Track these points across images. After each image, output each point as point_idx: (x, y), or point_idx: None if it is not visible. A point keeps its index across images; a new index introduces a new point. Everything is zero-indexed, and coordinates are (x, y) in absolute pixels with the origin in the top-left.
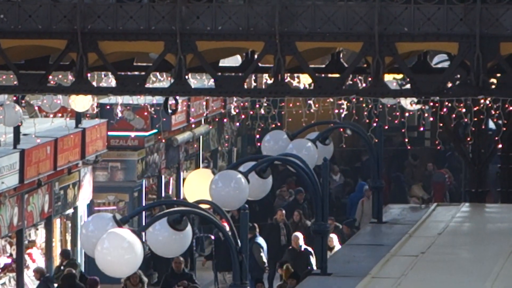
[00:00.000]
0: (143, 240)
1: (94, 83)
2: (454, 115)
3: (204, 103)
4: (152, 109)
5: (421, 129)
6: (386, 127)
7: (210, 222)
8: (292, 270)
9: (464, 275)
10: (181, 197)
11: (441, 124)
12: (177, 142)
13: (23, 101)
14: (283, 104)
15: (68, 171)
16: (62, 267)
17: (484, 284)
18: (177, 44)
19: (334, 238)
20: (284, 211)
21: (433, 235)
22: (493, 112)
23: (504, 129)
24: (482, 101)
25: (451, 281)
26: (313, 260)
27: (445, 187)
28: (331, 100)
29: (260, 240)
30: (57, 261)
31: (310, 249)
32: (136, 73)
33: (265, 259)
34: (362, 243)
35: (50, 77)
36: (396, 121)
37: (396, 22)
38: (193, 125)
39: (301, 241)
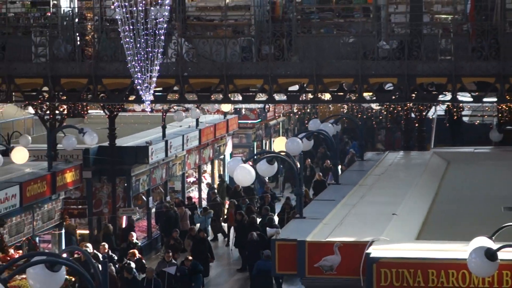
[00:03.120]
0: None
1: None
2: (395, 111)
3: (282, 106)
4: (258, 109)
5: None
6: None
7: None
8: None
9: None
10: (272, 149)
11: (390, 116)
12: (269, 125)
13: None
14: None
15: (220, 138)
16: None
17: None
18: (269, 81)
19: None
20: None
21: (385, 166)
22: (413, 110)
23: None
24: (408, 104)
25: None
26: None
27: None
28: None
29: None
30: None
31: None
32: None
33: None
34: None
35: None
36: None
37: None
38: (277, 116)
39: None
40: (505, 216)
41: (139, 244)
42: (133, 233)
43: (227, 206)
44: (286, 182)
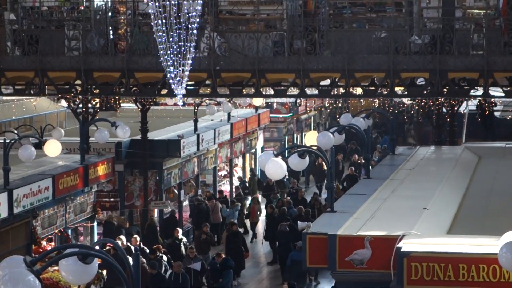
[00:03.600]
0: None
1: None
2: (427, 106)
3: (313, 100)
4: (290, 103)
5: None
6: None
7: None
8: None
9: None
10: (303, 143)
11: (421, 110)
12: (301, 119)
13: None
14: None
15: (252, 132)
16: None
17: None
18: (300, 76)
19: None
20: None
21: (416, 160)
22: (445, 105)
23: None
24: (440, 99)
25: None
26: None
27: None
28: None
29: None
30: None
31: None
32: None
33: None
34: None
35: None
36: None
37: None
38: (308, 110)
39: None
40: None
41: (184, 240)
42: (179, 229)
43: (259, 199)
44: (309, 174)
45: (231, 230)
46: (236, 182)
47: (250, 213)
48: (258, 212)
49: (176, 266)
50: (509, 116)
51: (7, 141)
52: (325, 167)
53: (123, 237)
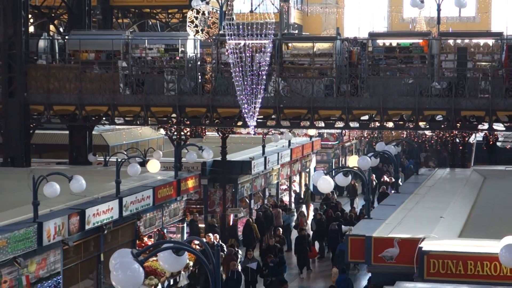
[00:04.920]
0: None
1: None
2: (444, 137)
3: (355, 131)
4: (336, 133)
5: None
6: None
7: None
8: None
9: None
10: (347, 164)
11: (439, 140)
12: (345, 146)
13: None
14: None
15: (307, 155)
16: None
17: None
18: (345, 112)
19: None
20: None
21: (435, 180)
22: (458, 136)
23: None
24: (454, 131)
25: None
26: None
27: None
28: None
29: None
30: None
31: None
32: None
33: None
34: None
35: None
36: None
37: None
38: (351, 139)
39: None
40: None
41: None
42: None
43: (311, 209)
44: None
45: (300, 234)
46: (293, 194)
47: (299, 224)
48: (305, 223)
49: (232, 265)
50: (508, 146)
51: (119, 160)
52: (356, 186)
53: (211, 235)
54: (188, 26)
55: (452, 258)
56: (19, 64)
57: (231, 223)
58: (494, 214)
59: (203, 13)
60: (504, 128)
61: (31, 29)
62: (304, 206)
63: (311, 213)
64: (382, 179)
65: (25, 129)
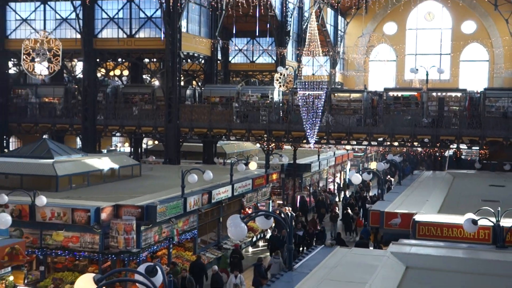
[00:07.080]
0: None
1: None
2: (429, 151)
3: (374, 147)
4: (363, 148)
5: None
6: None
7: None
8: None
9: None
10: (369, 167)
11: (426, 153)
12: (368, 156)
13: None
14: (391, 148)
15: (344, 161)
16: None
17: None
18: (368, 136)
19: None
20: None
21: (424, 178)
22: (438, 152)
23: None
24: (435, 149)
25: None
26: None
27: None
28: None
29: None
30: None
31: None
32: None
33: None
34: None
35: None
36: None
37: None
38: (372, 152)
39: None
40: (483, 203)
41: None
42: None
43: (348, 193)
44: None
45: (334, 212)
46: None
47: (332, 209)
48: (336, 208)
49: (298, 227)
50: (469, 158)
51: (232, 162)
52: (370, 183)
53: (287, 207)
54: (275, 82)
55: (434, 225)
56: (175, 104)
57: (297, 204)
58: (460, 199)
59: (284, 75)
60: (466, 147)
61: (182, 83)
62: (342, 192)
63: (348, 195)
64: (387, 178)
65: (177, 142)
